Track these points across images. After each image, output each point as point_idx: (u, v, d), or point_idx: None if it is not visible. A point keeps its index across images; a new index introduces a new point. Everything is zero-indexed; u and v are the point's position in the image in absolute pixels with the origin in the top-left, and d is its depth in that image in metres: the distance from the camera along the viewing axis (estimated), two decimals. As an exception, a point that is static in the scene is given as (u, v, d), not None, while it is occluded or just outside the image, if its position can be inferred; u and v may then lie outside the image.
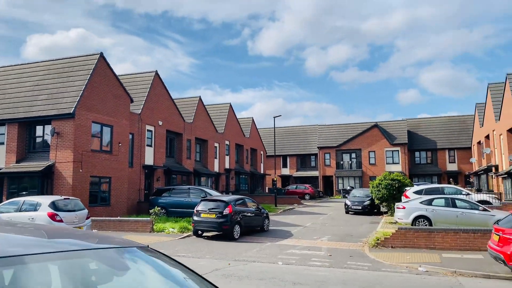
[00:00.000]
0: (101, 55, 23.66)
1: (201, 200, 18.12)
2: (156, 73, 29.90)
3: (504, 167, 32.89)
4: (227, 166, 40.65)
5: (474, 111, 46.53)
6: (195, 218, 16.93)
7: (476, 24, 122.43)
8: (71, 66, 23.95)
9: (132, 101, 25.89)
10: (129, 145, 25.86)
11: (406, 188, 24.20)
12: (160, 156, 29.32)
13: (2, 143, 22.59)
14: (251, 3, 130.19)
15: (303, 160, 59.06)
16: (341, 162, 54.43)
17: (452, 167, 51.70)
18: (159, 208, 22.05)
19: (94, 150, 22.48)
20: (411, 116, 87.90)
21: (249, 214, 17.85)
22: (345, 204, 28.65)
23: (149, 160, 28.24)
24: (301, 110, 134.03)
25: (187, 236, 17.45)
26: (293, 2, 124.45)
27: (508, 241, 9.61)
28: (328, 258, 12.73)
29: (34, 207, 14.75)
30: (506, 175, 30.20)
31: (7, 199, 18.98)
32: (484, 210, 17.22)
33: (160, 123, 29.47)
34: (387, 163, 51.82)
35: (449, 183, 42.50)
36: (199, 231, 17.24)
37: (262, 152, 51.78)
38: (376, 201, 26.23)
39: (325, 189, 54.84)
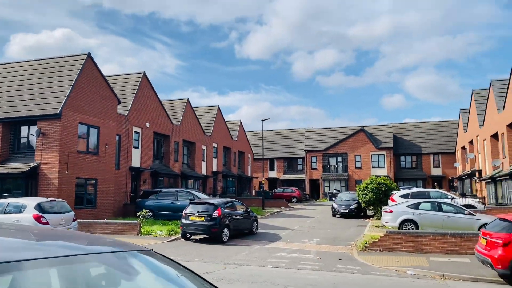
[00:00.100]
0: (89, 55, 23.37)
1: (190, 203, 18.00)
2: (144, 75, 29.64)
3: (487, 172, 33.49)
4: (214, 168, 40.51)
5: (458, 117, 47.35)
6: (184, 221, 16.80)
7: (460, 31, 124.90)
8: (58, 66, 23.59)
9: (119, 102, 25.62)
10: (116, 146, 25.56)
11: (392, 192, 24.46)
12: (147, 158, 29.05)
13: (-15, 144, 22.06)
14: (239, 6, 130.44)
15: (290, 164, 59.25)
16: (328, 166, 54.78)
17: (436, 171, 52.50)
18: (147, 210, 21.84)
19: (81, 152, 22.16)
20: (396, 120, 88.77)
21: (238, 217, 17.79)
22: (332, 207, 28.78)
23: (136, 162, 27.95)
24: (288, 114, 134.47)
25: (175, 239, 17.32)
26: (281, 6, 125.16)
27: (496, 245, 9.76)
28: (318, 261, 12.76)
29: (19, 209, 14.48)
30: (489, 180, 30.75)
31: (-10, 200, 18.53)
32: (470, 214, 17.49)
33: (148, 125, 29.21)
34: (372, 167, 52.33)
35: (434, 187, 43.20)
36: (188, 234, 17.12)
37: (249, 155, 51.74)
38: (363, 205, 26.43)
39: (312, 192, 55.06)
